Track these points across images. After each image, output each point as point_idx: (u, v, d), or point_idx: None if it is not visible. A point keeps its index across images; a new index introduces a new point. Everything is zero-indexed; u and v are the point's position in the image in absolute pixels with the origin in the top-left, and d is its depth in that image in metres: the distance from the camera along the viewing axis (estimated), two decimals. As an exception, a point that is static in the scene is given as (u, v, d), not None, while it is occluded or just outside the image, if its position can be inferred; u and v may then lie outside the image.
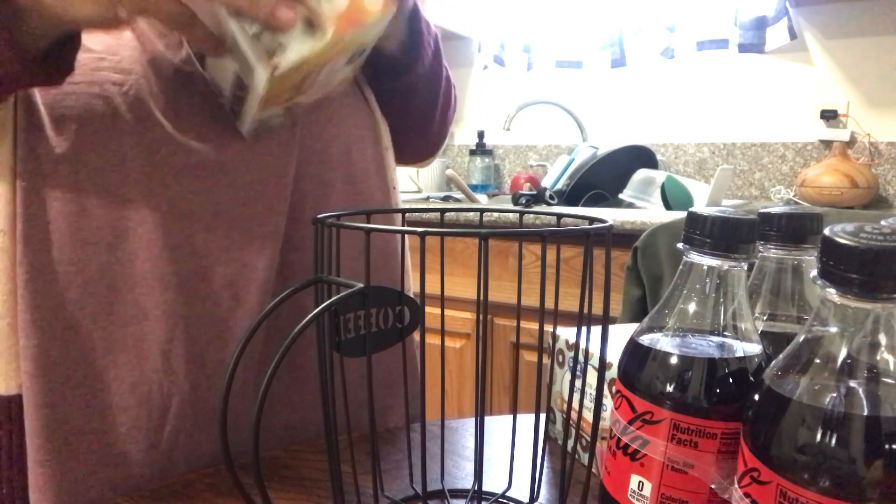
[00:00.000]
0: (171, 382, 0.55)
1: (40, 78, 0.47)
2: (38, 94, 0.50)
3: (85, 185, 0.51)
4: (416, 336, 0.76)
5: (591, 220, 0.42)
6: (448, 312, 1.56)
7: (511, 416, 0.52)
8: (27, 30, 0.44)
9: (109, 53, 0.52)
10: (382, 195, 0.71)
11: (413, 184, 2.13)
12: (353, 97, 0.67)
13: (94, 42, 0.51)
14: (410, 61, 0.67)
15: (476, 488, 0.46)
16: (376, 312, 0.37)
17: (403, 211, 0.51)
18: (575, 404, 0.53)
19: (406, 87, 0.70)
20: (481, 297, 0.36)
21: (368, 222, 0.43)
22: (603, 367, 0.42)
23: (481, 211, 0.53)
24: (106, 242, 0.52)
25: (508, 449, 0.57)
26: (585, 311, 0.40)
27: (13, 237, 0.50)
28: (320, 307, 0.35)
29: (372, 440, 0.40)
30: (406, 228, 0.36)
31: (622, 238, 1.32)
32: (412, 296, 0.55)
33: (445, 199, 1.92)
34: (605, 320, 0.40)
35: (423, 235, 0.35)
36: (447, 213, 1.50)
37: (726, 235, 0.35)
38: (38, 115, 0.50)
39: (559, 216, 0.48)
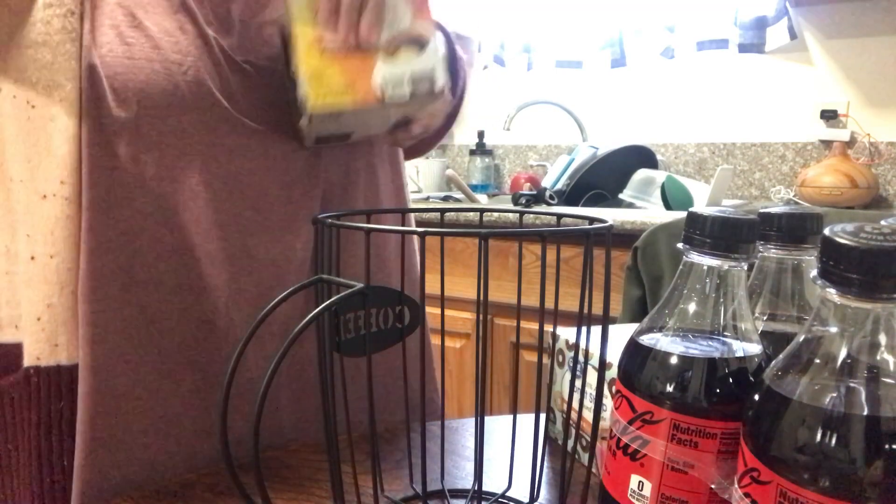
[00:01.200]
0: (215, 354, 0.56)
1: None
2: (100, 66, 0.51)
3: (143, 157, 0.52)
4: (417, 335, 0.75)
5: (591, 220, 0.42)
6: (448, 312, 1.56)
7: (511, 416, 0.52)
8: None
9: (167, 35, 0.53)
10: (396, 188, 0.72)
11: (413, 184, 2.13)
12: None
13: (150, 22, 0.53)
14: (450, 125, 0.73)
15: (476, 488, 0.46)
16: (376, 312, 0.37)
17: (403, 211, 0.51)
18: (575, 404, 0.53)
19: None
20: (481, 297, 0.36)
21: (369, 222, 0.43)
22: (603, 366, 0.42)
23: (481, 211, 0.53)
24: (159, 214, 0.53)
25: (508, 449, 0.57)
26: (585, 311, 0.40)
27: (79, 204, 0.51)
28: (320, 307, 0.35)
29: (372, 440, 0.40)
30: (406, 228, 0.36)
31: (622, 238, 1.32)
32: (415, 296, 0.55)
33: (445, 199, 1.92)
34: (605, 320, 0.40)
35: (423, 235, 0.35)
36: (447, 214, 1.50)
37: (726, 235, 0.35)
38: (101, 87, 0.51)
39: (559, 216, 0.48)
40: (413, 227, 0.55)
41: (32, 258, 0.51)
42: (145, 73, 0.52)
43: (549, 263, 1.29)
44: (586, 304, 0.39)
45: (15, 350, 0.52)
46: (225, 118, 0.55)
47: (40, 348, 0.51)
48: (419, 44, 0.49)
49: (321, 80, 0.49)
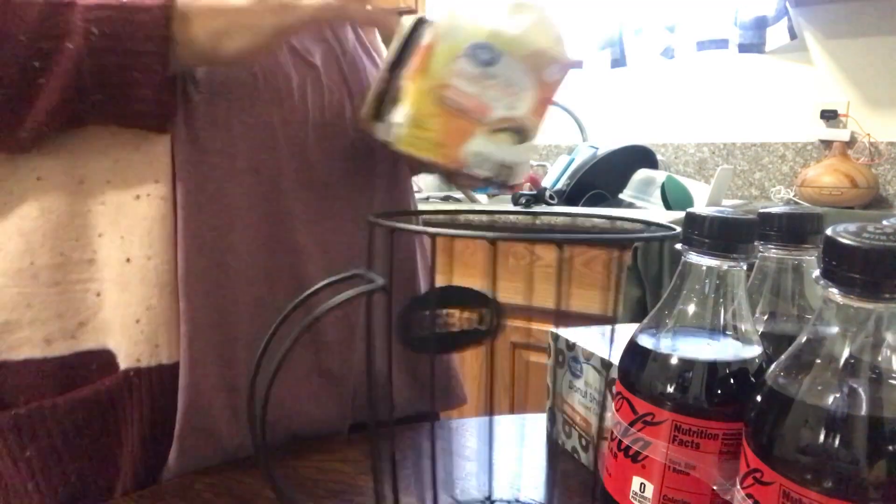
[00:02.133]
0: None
1: (151, 120, 0.49)
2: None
3: (232, 151, 0.53)
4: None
5: (650, 224, 0.40)
6: (448, 313, 1.56)
7: (511, 416, 0.52)
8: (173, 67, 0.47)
9: None
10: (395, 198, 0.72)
11: (413, 184, 2.13)
12: None
13: None
14: None
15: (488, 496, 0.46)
16: (458, 313, 0.37)
17: (418, 213, 0.50)
18: (575, 405, 0.52)
19: None
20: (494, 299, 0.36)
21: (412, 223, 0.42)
22: (608, 370, 0.42)
23: (488, 213, 0.53)
24: (251, 207, 0.54)
25: (509, 450, 0.57)
26: (597, 313, 0.39)
27: (173, 202, 0.51)
28: (339, 297, 0.34)
29: (375, 444, 0.40)
30: (418, 228, 0.35)
31: (622, 238, 1.31)
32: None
33: (445, 198, 1.92)
34: (613, 321, 0.40)
35: (433, 237, 0.34)
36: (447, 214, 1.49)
37: (725, 235, 0.35)
38: (187, 83, 0.51)
39: (572, 216, 0.47)
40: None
41: (128, 260, 0.50)
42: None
43: (548, 264, 1.29)
44: (612, 307, 0.39)
45: (74, 360, 0.51)
46: (299, 110, 0.57)
47: (140, 350, 0.51)
48: (521, 136, 0.49)
49: (420, 126, 0.48)
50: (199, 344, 0.52)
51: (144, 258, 0.50)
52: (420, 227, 0.36)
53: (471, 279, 1.52)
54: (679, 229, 0.38)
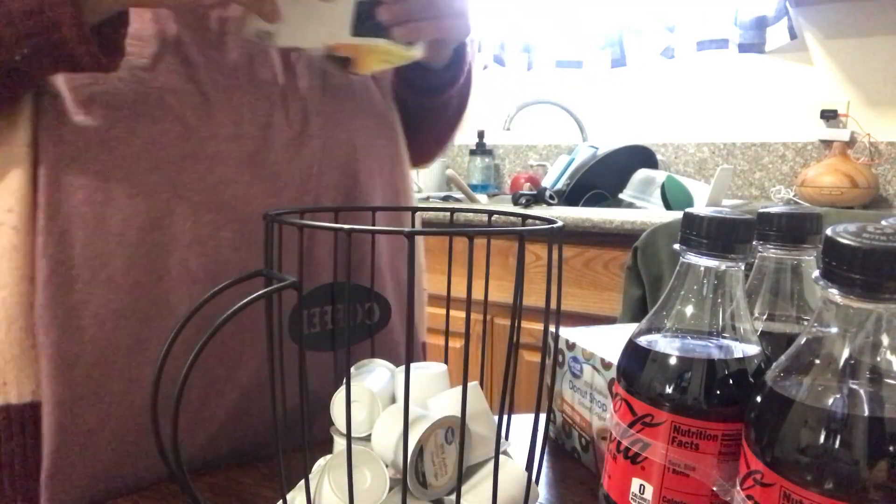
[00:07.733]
0: (192, 378, 0.53)
1: (94, 60, 0.43)
2: (60, 78, 0.47)
3: (113, 173, 0.49)
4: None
5: (526, 217, 0.40)
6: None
7: (520, 415, 0.52)
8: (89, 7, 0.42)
9: (134, 38, 0.49)
10: (395, 192, 0.70)
11: (413, 184, 2.13)
12: (375, 105, 0.66)
13: None
14: (450, 80, 0.68)
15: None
16: (344, 308, 0.36)
17: (373, 209, 0.50)
18: (577, 406, 0.52)
19: (439, 105, 0.72)
20: (410, 295, 0.35)
21: (336, 220, 0.42)
22: (554, 363, 0.41)
23: (413, 210, 0.53)
24: (132, 234, 0.50)
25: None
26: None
27: (30, 232, 0.47)
28: (251, 297, 0.34)
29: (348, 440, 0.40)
30: (328, 225, 0.34)
31: (622, 238, 1.31)
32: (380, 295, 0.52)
33: (445, 198, 1.92)
34: (558, 313, 0.40)
35: (349, 233, 0.34)
36: (448, 213, 1.49)
37: (723, 236, 0.35)
38: (61, 100, 0.47)
39: (524, 217, 0.47)
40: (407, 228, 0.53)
41: None
42: (112, 82, 0.48)
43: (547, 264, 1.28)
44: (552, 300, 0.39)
45: None
46: (200, 127, 0.52)
47: None
48: None
49: None
50: (70, 383, 0.48)
51: None
52: (294, 220, 0.34)
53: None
54: (559, 222, 0.39)
